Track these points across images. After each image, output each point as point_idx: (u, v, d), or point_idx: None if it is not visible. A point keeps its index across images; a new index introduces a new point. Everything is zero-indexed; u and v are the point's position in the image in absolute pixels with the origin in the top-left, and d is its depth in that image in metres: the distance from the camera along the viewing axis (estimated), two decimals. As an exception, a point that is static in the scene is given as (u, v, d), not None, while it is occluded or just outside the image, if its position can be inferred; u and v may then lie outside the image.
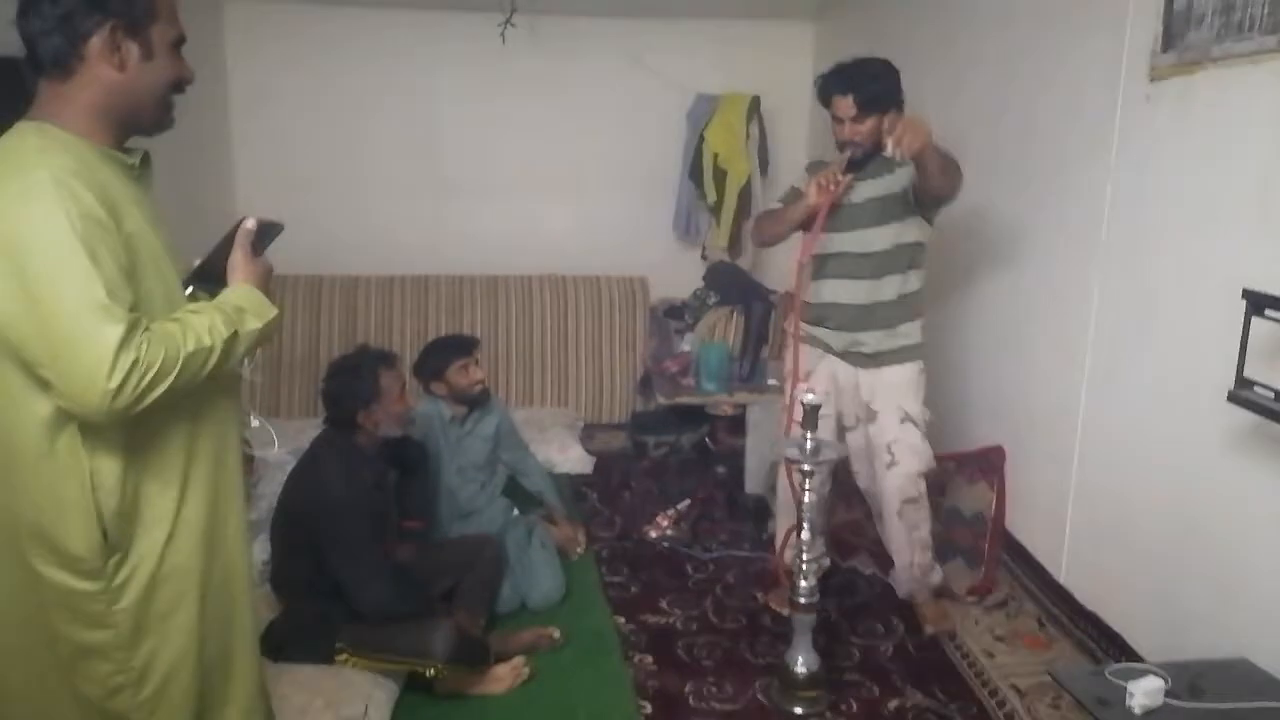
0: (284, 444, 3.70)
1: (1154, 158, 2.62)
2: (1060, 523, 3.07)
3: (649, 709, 2.70)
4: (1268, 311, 1.95)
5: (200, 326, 1.46)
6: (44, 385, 1.40)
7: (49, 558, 1.49)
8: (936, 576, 3.14)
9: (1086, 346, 2.92)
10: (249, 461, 3.29)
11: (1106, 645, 2.81)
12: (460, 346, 3.36)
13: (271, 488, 3.24)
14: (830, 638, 3.00)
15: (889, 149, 2.57)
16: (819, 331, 3.03)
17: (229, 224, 1.66)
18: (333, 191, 5.31)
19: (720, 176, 5.17)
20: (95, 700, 1.59)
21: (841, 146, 2.87)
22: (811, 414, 2.59)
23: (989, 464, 3.39)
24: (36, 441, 1.45)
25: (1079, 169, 2.94)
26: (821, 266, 2.99)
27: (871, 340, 2.94)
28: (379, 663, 2.59)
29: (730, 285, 4.72)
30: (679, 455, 4.69)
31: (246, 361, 1.71)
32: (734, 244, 5.22)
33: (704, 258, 5.39)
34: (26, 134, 1.45)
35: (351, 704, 2.46)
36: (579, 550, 3.56)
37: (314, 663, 2.57)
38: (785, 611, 3.09)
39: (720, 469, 4.44)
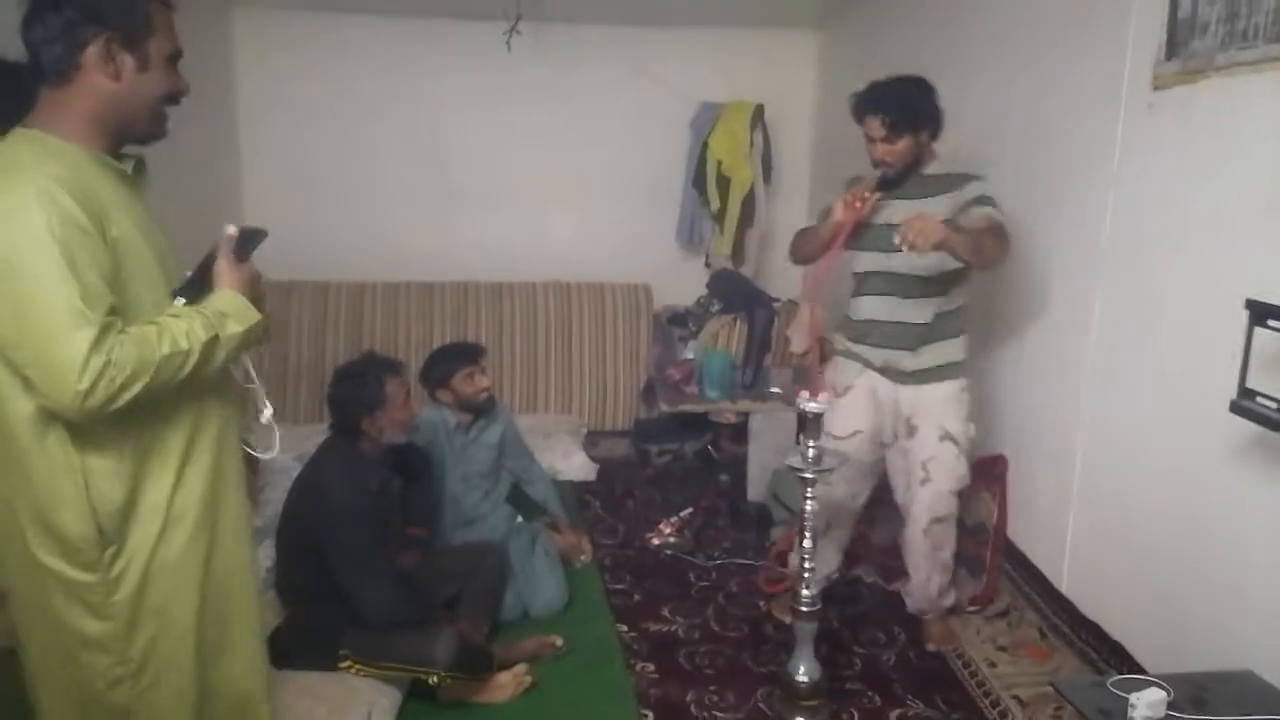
0: (289, 449, 3.68)
1: (1156, 166, 2.62)
2: (1062, 532, 3.07)
3: (651, 717, 2.70)
4: (1270, 322, 1.95)
5: (178, 330, 1.51)
6: (29, 384, 1.47)
7: (49, 547, 1.55)
8: (950, 599, 3.13)
9: (1088, 356, 2.92)
10: (253, 464, 3.29)
11: (1108, 655, 2.81)
12: (466, 354, 3.36)
13: (277, 493, 3.24)
14: (832, 647, 3.00)
15: (897, 241, 2.54)
16: (859, 348, 2.99)
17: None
18: (339, 198, 5.33)
19: (724, 184, 5.17)
20: (96, 694, 1.63)
21: (874, 166, 2.82)
22: (815, 422, 2.59)
23: (991, 473, 3.38)
24: (28, 436, 1.51)
25: (1081, 177, 2.94)
26: (862, 284, 2.96)
27: (911, 358, 2.89)
28: (382, 670, 2.59)
29: (733, 293, 4.72)
30: (682, 463, 4.70)
31: (236, 366, 1.75)
32: (737, 252, 5.23)
33: (707, 265, 5.40)
34: (19, 142, 1.51)
35: (355, 711, 2.46)
36: (583, 558, 3.56)
37: (318, 669, 2.57)
38: (787, 619, 3.10)
39: (723, 477, 4.43)
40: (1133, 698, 1.85)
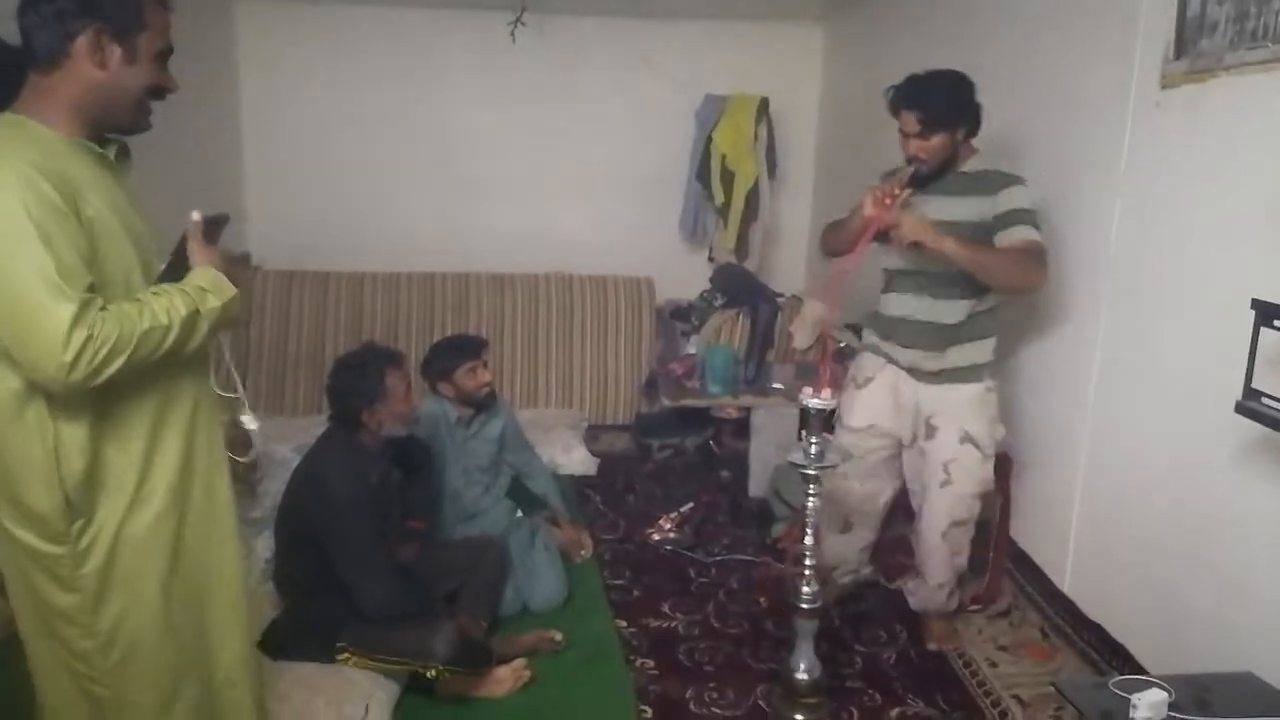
0: (288, 440, 3.70)
1: (1164, 165, 2.60)
2: (1065, 532, 3.06)
3: (650, 713, 2.69)
4: (1277, 322, 1.93)
5: (158, 306, 1.58)
6: (13, 361, 1.53)
7: (18, 519, 1.62)
8: (954, 601, 3.11)
9: (1094, 355, 2.91)
10: (250, 453, 3.29)
11: (1110, 656, 2.80)
12: (469, 348, 3.34)
13: (275, 485, 3.24)
14: (832, 644, 2.99)
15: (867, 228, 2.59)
16: (886, 346, 2.95)
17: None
18: (341, 188, 5.32)
19: (728, 178, 5.16)
20: (67, 665, 1.69)
21: (908, 161, 2.78)
22: (817, 418, 2.57)
23: (995, 473, 3.35)
24: (7, 410, 1.57)
25: (1088, 175, 2.92)
26: (892, 280, 2.93)
27: (937, 358, 2.84)
28: (380, 663, 2.58)
29: (737, 287, 4.71)
30: (683, 458, 4.69)
31: (219, 370, 1.83)
32: (741, 246, 5.22)
33: (711, 259, 5.39)
34: (1, 127, 1.57)
35: (353, 703, 2.46)
36: (584, 553, 3.55)
37: (316, 661, 2.56)
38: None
39: (724, 472, 4.43)
40: (1134, 698, 1.84)
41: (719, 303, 4.69)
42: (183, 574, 1.76)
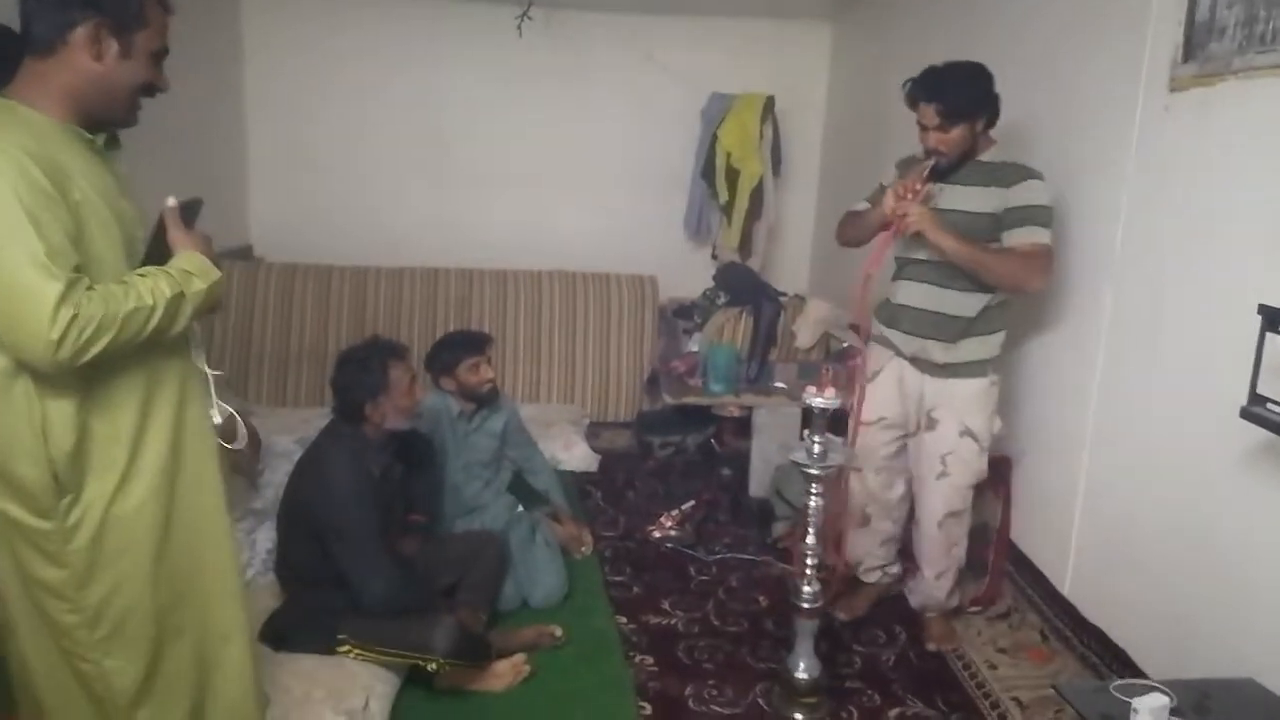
0: (290, 432, 3.70)
1: (1171, 168, 2.60)
2: (1066, 535, 3.05)
3: (649, 710, 2.69)
4: (1283, 328, 1.93)
5: (143, 287, 1.61)
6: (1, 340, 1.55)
7: (7, 493, 1.64)
8: (954, 600, 3.12)
9: (1097, 358, 2.90)
10: (253, 446, 3.29)
11: (1110, 660, 2.80)
12: (473, 344, 3.34)
13: (277, 476, 3.24)
14: (831, 644, 2.99)
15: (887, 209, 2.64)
16: (890, 333, 2.95)
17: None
18: (345, 182, 5.33)
19: (733, 176, 5.16)
20: (53, 639, 1.72)
21: (927, 154, 2.77)
22: (820, 418, 2.57)
23: (996, 474, 3.36)
24: None
25: (1095, 177, 2.92)
26: (904, 269, 2.92)
27: (945, 350, 2.84)
28: (380, 655, 2.58)
29: (740, 286, 4.70)
30: (684, 456, 4.68)
31: (197, 345, 1.84)
32: (745, 244, 5.22)
33: (714, 258, 5.38)
34: None
35: (352, 696, 2.45)
36: (584, 550, 3.55)
37: (315, 653, 2.56)
38: (844, 616, 3.15)
39: (725, 471, 4.43)
40: (1135, 703, 1.84)
41: (722, 301, 4.68)
42: (173, 551, 1.79)
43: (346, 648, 2.57)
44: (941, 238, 2.65)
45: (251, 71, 5.18)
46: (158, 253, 1.73)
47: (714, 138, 5.20)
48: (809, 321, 4.42)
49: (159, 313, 1.61)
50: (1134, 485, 2.74)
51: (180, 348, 1.79)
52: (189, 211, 1.81)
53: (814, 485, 2.62)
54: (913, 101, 2.75)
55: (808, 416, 2.66)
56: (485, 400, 3.38)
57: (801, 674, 2.67)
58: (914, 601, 3.16)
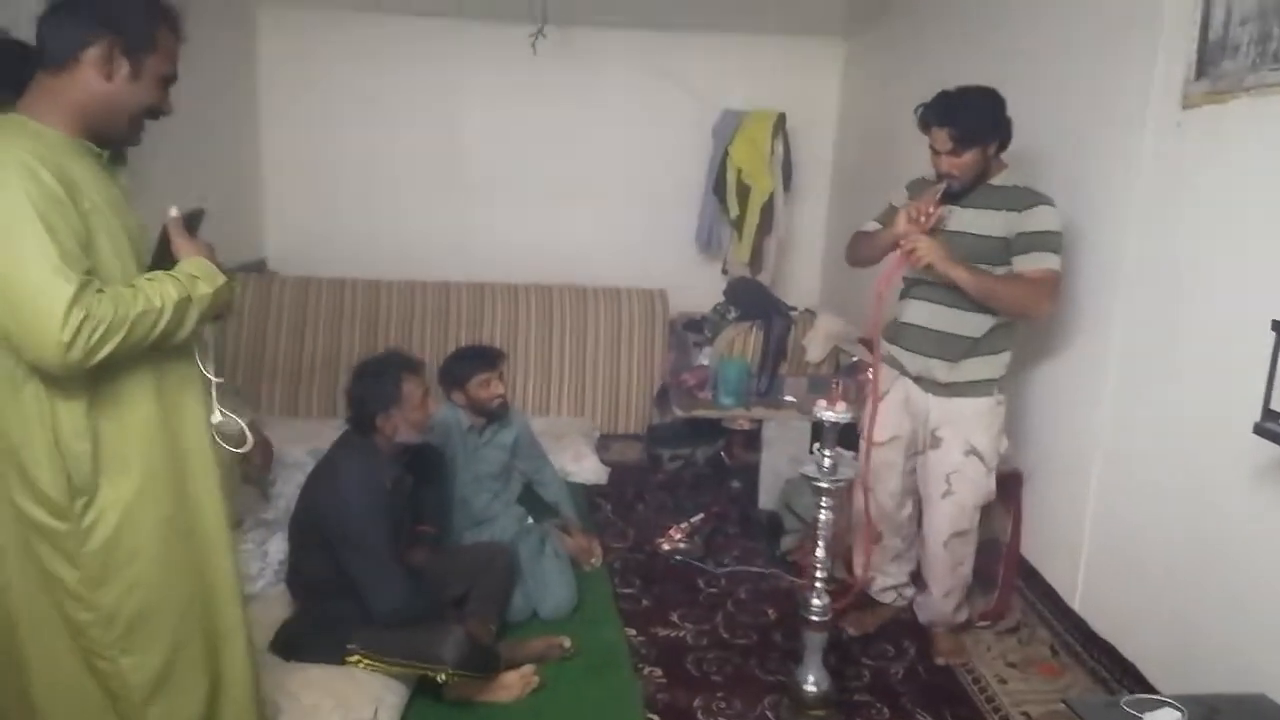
0: (302, 442, 3.72)
1: (1183, 185, 2.60)
2: (1076, 550, 3.05)
3: (657, 722, 2.69)
4: (1296, 344, 1.93)
5: (151, 290, 1.65)
6: (11, 342, 1.58)
7: (26, 493, 1.67)
8: (963, 615, 3.11)
9: (1108, 374, 2.90)
10: (266, 457, 3.31)
11: (1120, 675, 2.78)
12: (485, 360, 3.35)
13: (289, 488, 3.26)
14: (840, 658, 2.98)
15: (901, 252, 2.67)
16: (895, 351, 2.96)
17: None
18: (359, 196, 5.37)
19: (744, 192, 5.17)
20: (72, 637, 1.75)
21: (939, 177, 2.78)
22: (831, 431, 2.58)
23: (1006, 489, 3.35)
24: (6, 389, 1.63)
25: (1106, 194, 2.92)
26: (912, 288, 2.93)
27: (948, 370, 2.84)
28: (390, 666, 2.59)
29: (750, 301, 4.72)
30: (694, 469, 4.69)
31: (206, 352, 1.88)
32: (755, 259, 5.23)
33: (725, 272, 5.39)
34: (4, 125, 1.64)
35: (362, 706, 2.46)
36: (594, 562, 3.56)
37: (325, 663, 2.57)
38: (853, 631, 3.14)
39: (735, 484, 4.43)
40: (1146, 718, 1.84)
41: (732, 315, 4.70)
42: (182, 551, 1.83)
43: (356, 658, 2.58)
44: (951, 269, 2.66)
45: (266, 88, 5.23)
46: (163, 262, 1.78)
47: (725, 154, 5.22)
48: (819, 336, 4.43)
49: (166, 316, 1.65)
50: (1145, 500, 2.74)
51: (184, 353, 1.83)
52: (192, 221, 1.86)
53: (824, 499, 2.63)
54: (925, 125, 2.77)
55: (818, 430, 2.66)
56: (494, 416, 3.39)
57: (810, 686, 2.67)
58: (922, 617, 3.16)
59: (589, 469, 4.48)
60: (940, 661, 3.03)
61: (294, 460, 3.52)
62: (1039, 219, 2.71)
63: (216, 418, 1.89)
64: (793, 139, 5.26)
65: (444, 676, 2.57)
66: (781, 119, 5.17)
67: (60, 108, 1.65)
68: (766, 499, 4.13)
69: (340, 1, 5.06)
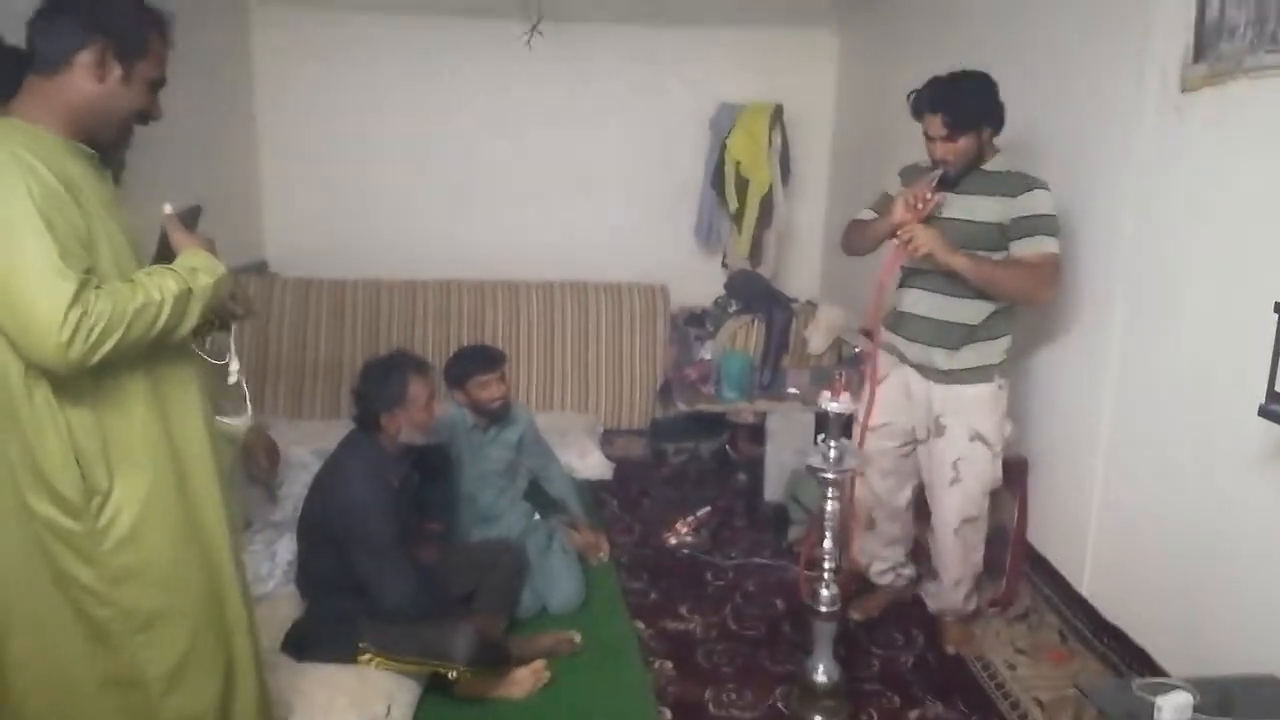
0: (307, 443, 3.72)
1: (1183, 169, 2.60)
2: (1083, 535, 3.05)
3: (669, 715, 2.70)
4: (1300, 325, 1.93)
5: (150, 285, 1.65)
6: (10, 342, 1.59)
7: (40, 494, 1.68)
8: (972, 603, 3.11)
9: (1111, 359, 2.91)
10: (273, 458, 3.31)
11: (1130, 660, 2.79)
12: (485, 361, 3.34)
13: (296, 488, 3.26)
14: (849, 648, 2.99)
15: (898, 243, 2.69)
16: (895, 340, 2.96)
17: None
18: (358, 196, 5.36)
19: (742, 185, 5.17)
20: (96, 635, 1.76)
21: (934, 164, 2.78)
22: (836, 422, 2.58)
23: (1011, 476, 3.36)
24: (18, 392, 1.63)
25: (1106, 180, 2.93)
26: (910, 276, 2.93)
27: (948, 357, 2.85)
28: (401, 663, 2.60)
29: (751, 293, 4.72)
30: (698, 462, 4.70)
31: (232, 355, 1.93)
32: (755, 252, 5.23)
33: (725, 266, 5.40)
34: (0, 126, 1.64)
35: (374, 703, 2.47)
36: (601, 557, 3.56)
37: (336, 661, 2.58)
38: (858, 617, 3.15)
39: (740, 477, 4.44)
40: (1158, 701, 1.84)
41: (734, 309, 4.70)
42: (193, 547, 1.85)
43: (368, 656, 2.59)
44: (951, 258, 2.66)
45: (262, 89, 5.22)
46: (164, 260, 1.79)
47: (723, 147, 5.22)
48: (820, 327, 4.43)
49: (167, 309, 1.65)
50: (1151, 485, 2.74)
51: (183, 353, 1.84)
52: (188, 218, 1.87)
53: (830, 489, 2.63)
54: (918, 112, 2.76)
55: (822, 421, 2.67)
56: (493, 417, 3.38)
57: (820, 677, 2.68)
58: (932, 606, 3.16)
59: (594, 465, 4.49)
60: (950, 650, 3.03)
61: (300, 461, 3.52)
62: (1035, 203, 2.71)
63: (245, 420, 1.91)
64: (790, 131, 5.25)
65: (455, 673, 2.57)
66: (779, 111, 5.17)
67: (53, 110, 1.66)
68: (772, 491, 4.13)
69: (334, 1, 5.05)
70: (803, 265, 5.73)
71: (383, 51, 5.23)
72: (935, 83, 2.74)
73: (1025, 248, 2.70)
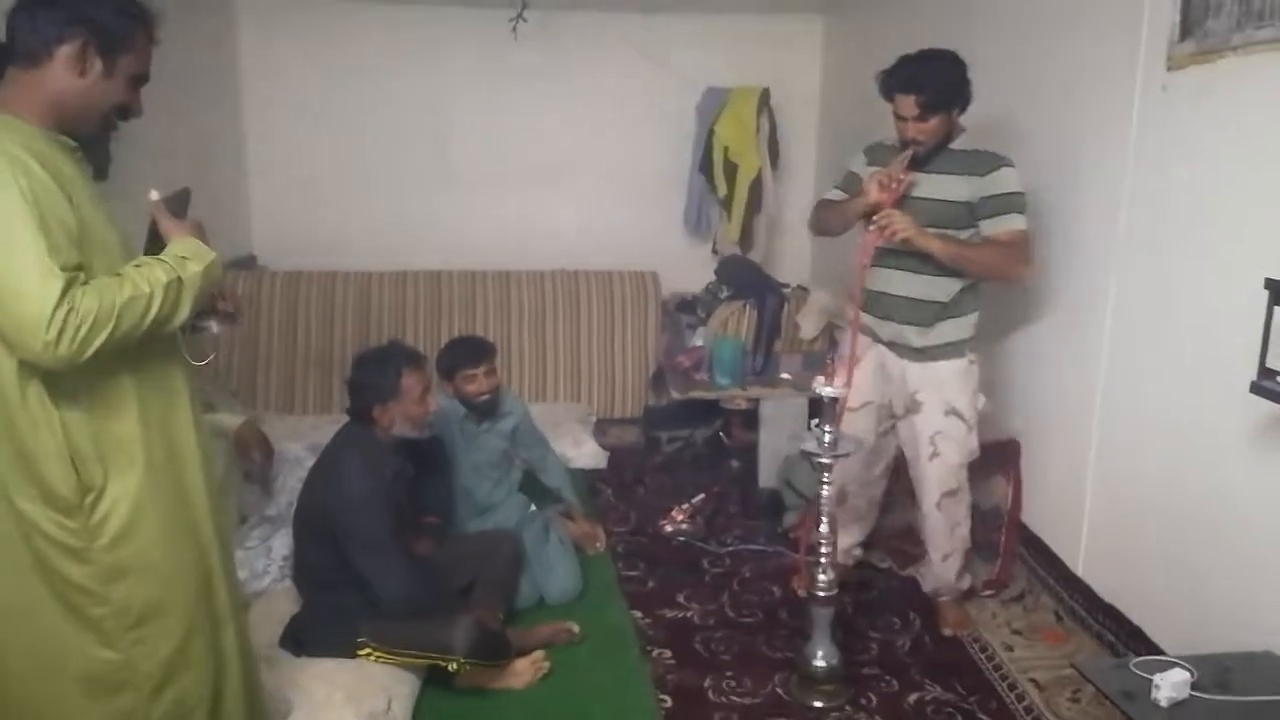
0: (300, 439, 3.71)
1: (1172, 147, 2.60)
2: (1078, 516, 3.06)
3: (669, 703, 2.70)
4: (1291, 301, 1.94)
5: (139, 277, 1.63)
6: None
7: (30, 494, 1.67)
8: (965, 582, 3.13)
9: (1103, 338, 2.91)
10: (267, 453, 3.30)
11: (1126, 638, 2.80)
12: (471, 355, 3.32)
13: (290, 483, 3.25)
14: (847, 632, 2.99)
15: (872, 226, 2.69)
16: (866, 318, 2.97)
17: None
18: (346, 187, 5.34)
19: (731, 170, 5.16)
20: (90, 634, 1.75)
21: (904, 144, 2.79)
22: (830, 407, 2.58)
23: (1004, 457, 3.38)
24: (11, 389, 1.63)
25: (1095, 160, 2.92)
26: (880, 254, 2.91)
27: (921, 334, 2.88)
28: (401, 657, 2.59)
29: (742, 279, 4.72)
30: (692, 450, 4.70)
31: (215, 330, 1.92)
32: (745, 237, 5.22)
33: (715, 252, 5.39)
34: None
35: (374, 697, 2.46)
36: (598, 546, 3.56)
37: (335, 656, 2.57)
38: (802, 592, 3.11)
39: (734, 463, 4.44)
40: (1157, 678, 1.85)
41: (725, 295, 4.70)
42: (186, 540, 1.84)
43: (367, 650, 2.58)
44: (928, 242, 2.70)
45: (247, 80, 5.18)
46: (154, 249, 1.77)
47: (711, 132, 5.20)
48: (812, 312, 4.44)
49: (157, 300, 1.63)
50: (1144, 463, 2.75)
51: (172, 347, 1.83)
52: (176, 203, 1.85)
53: (825, 474, 2.64)
54: (888, 92, 2.77)
55: (816, 406, 2.67)
56: (482, 411, 3.37)
57: (819, 662, 2.69)
58: (926, 586, 3.18)
59: (588, 454, 4.48)
60: (947, 632, 3.05)
61: (293, 456, 3.50)
62: (1002, 181, 2.74)
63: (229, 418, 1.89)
64: (778, 115, 5.25)
65: (455, 665, 2.57)
66: (766, 94, 5.16)
67: (34, 103, 1.65)
68: (766, 477, 4.13)
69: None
70: (793, 250, 5.72)
71: (369, 41, 5.19)
72: (906, 62, 2.75)
73: (995, 226, 2.74)
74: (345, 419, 2.83)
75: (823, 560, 2.65)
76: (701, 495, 3.99)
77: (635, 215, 5.50)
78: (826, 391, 2.57)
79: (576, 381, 5.04)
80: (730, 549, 3.65)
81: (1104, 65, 2.87)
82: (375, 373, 2.71)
